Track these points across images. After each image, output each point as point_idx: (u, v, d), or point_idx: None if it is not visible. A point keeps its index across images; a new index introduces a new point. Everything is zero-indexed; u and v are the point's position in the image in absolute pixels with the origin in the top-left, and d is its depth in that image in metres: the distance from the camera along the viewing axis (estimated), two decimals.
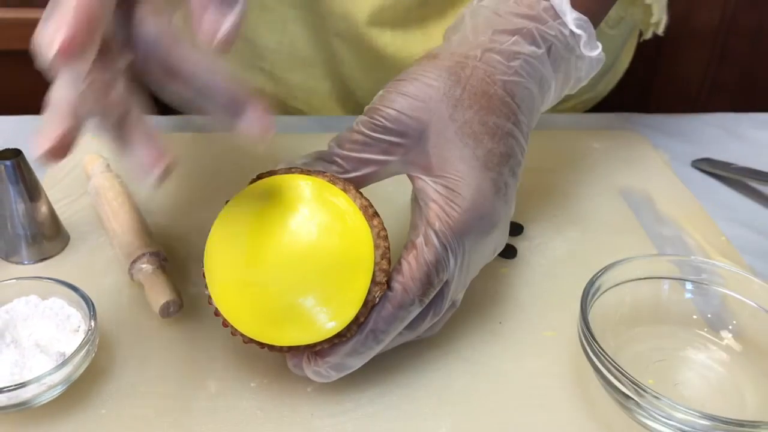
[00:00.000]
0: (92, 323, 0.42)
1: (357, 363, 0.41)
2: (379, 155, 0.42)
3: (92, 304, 0.43)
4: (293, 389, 0.43)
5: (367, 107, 0.43)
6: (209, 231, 0.40)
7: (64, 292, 0.44)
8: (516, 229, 0.56)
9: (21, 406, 0.39)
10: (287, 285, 0.39)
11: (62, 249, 0.53)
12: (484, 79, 0.42)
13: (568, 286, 0.51)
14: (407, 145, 0.42)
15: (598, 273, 0.44)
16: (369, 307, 0.39)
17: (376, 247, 0.39)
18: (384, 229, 0.40)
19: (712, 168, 0.67)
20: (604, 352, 0.39)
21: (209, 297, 0.40)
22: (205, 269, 0.40)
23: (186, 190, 0.60)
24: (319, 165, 0.42)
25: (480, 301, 0.49)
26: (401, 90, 0.42)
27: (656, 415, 0.38)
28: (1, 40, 1.13)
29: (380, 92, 0.43)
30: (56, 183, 0.60)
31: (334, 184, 0.40)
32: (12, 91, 1.16)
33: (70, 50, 0.30)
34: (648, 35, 0.70)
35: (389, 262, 0.40)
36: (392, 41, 0.69)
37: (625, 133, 0.72)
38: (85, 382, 0.42)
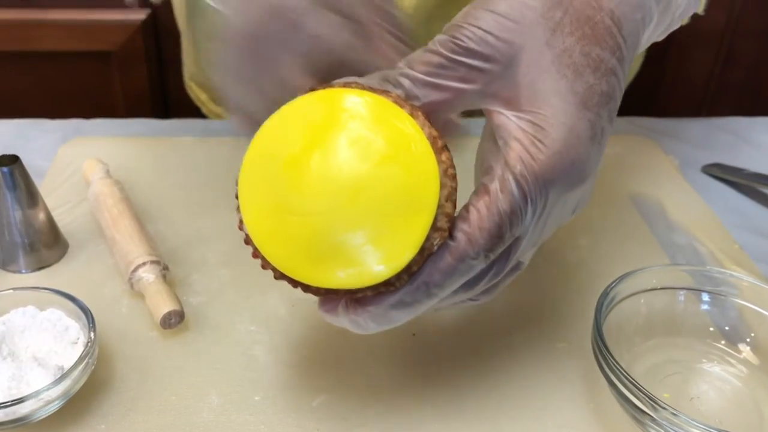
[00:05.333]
0: (91, 335, 0.41)
1: (402, 317, 0.36)
2: (456, 82, 0.36)
3: (91, 315, 0.42)
4: (298, 403, 0.42)
5: (447, 25, 0.37)
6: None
7: (62, 303, 0.43)
8: None
9: (18, 422, 0.38)
10: (333, 217, 0.32)
11: (61, 257, 0.52)
12: (589, 3, 0.36)
13: (579, 295, 0.50)
14: (492, 71, 0.36)
15: (612, 283, 0.43)
16: (425, 255, 0.34)
17: (442, 186, 0.33)
18: (453, 166, 0.34)
19: (723, 174, 0.66)
20: (619, 365, 0.38)
21: (240, 221, 0.35)
22: (239, 189, 0.35)
23: (187, 197, 0.59)
24: (383, 86, 0.36)
25: (490, 312, 0.48)
26: (490, 7, 0.36)
27: (672, 431, 0.37)
28: (0, 41, 1.12)
29: (464, 8, 0.37)
30: (54, 189, 0.59)
31: (401, 107, 0.34)
32: (10, 92, 1.16)
33: None
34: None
35: (454, 206, 0.34)
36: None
37: (634, 138, 0.71)
38: (85, 396, 0.41)
